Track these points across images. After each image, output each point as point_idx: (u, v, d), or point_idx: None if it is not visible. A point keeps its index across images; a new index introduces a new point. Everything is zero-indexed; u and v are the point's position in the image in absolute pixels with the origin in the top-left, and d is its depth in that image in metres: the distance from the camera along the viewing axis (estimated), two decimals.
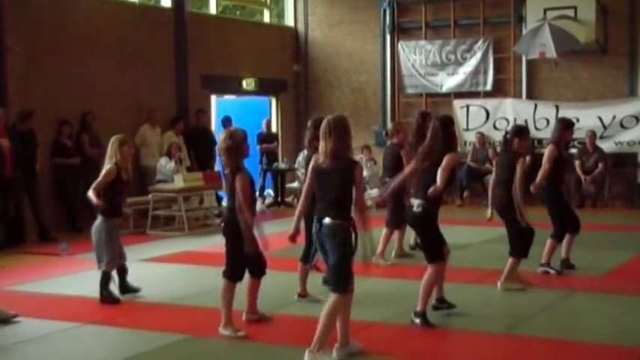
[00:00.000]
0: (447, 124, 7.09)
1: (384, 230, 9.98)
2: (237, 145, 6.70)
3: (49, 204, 12.87)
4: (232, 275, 6.93)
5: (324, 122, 6.01)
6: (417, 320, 6.98)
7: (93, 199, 7.99)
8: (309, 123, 7.87)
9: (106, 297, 8.21)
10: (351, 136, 6.02)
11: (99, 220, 8.22)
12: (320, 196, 6.06)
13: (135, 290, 8.50)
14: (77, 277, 9.63)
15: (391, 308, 7.41)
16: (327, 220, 5.95)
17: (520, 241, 8.30)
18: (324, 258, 6.11)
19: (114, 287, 8.30)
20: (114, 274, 8.35)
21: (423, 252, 7.25)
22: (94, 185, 8.06)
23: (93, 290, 8.69)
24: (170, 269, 9.67)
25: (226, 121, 16.29)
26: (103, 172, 8.10)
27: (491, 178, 8.84)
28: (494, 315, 7.41)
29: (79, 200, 13.25)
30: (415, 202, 6.96)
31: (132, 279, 8.59)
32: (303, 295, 8.06)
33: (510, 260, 8.41)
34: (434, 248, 6.98)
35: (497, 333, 6.88)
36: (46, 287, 9.05)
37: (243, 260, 6.87)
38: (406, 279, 8.96)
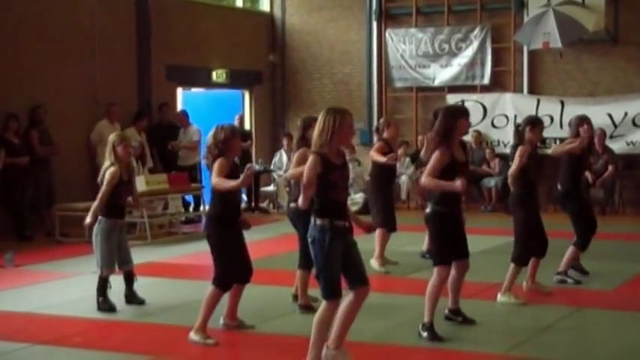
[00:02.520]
0: (448, 113, 7.27)
1: (377, 232, 10.04)
2: (223, 142, 7.04)
3: None
4: (221, 284, 7.16)
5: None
6: (424, 334, 7.13)
7: (88, 219, 8.34)
8: (300, 123, 8.16)
9: (101, 304, 8.33)
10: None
11: (98, 220, 8.40)
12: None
13: (140, 302, 8.58)
14: (24, 291, 9.54)
15: (378, 325, 7.41)
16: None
17: (523, 248, 8.44)
18: None
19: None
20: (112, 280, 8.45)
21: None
22: (99, 196, 8.27)
23: (43, 306, 8.65)
24: None
25: (182, 116, 16.13)
26: (106, 177, 8.29)
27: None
28: (491, 333, 7.43)
29: (28, 205, 13.20)
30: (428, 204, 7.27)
31: (87, 294, 8.53)
32: (306, 306, 8.13)
33: (511, 267, 8.56)
34: (438, 251, 7.22)
35: (493, 354, 6.88)
36: None
37: (232, 268, 7.15)
38: (393, 293, 8.98)
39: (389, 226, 10.20)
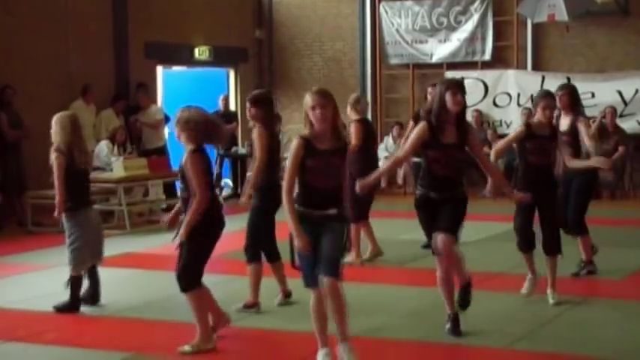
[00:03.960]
0: (439, 86, 7.16)
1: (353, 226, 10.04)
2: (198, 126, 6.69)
3: None
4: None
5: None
6: (447, 325, 7.16)
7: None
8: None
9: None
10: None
11: None
12: None
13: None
14: None
15: (370, 319, 7.44)
16: None
17: (516, 233, 8.35)
18: None
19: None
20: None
21: None
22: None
23: (14, 300, 8.65)
24: (109, 275, 9.57)
25: (141, 95, 15.80)
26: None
27: None
28: (493, 326, 7.44)
29: None
30: None
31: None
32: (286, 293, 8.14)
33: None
34: (428, 237, 7.19)
35: (496, 348, 6.91)
36: None
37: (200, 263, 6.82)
38: (387, 283, 9.01)
39: (363, 218, 10.06)
